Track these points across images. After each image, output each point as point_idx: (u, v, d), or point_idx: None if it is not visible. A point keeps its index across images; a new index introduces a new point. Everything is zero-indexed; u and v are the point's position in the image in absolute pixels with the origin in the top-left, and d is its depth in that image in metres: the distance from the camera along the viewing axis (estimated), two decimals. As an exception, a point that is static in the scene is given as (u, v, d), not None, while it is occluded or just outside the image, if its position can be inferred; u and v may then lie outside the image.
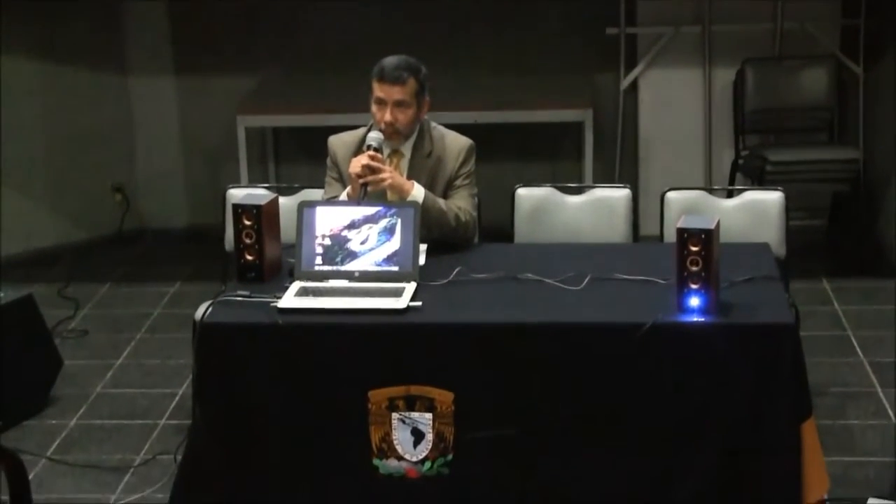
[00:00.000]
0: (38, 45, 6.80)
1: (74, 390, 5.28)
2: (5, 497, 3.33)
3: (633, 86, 6.87)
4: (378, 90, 4.23)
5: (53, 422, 5.03)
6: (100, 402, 5.22)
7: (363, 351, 3.76)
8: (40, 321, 5.13)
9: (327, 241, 4.00)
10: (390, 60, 4.25)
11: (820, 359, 5.32)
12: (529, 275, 4.00)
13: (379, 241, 3.99)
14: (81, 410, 5.13)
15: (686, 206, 4.63)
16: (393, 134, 4.25)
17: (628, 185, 4.84)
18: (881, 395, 5.07)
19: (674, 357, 3.68)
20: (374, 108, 4.26)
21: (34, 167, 6.91)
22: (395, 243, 3.98)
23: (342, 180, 4.33)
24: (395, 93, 4.21)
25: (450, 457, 3.78)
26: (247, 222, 3.98)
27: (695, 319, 3.68)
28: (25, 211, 6.90)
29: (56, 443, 4.87)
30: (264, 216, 3.98)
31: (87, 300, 6.26)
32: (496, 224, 4.91)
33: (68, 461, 4.71)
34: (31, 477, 4.25)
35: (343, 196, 4.24)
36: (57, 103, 6.92)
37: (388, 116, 4.22)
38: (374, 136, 4.22)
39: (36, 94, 6.85)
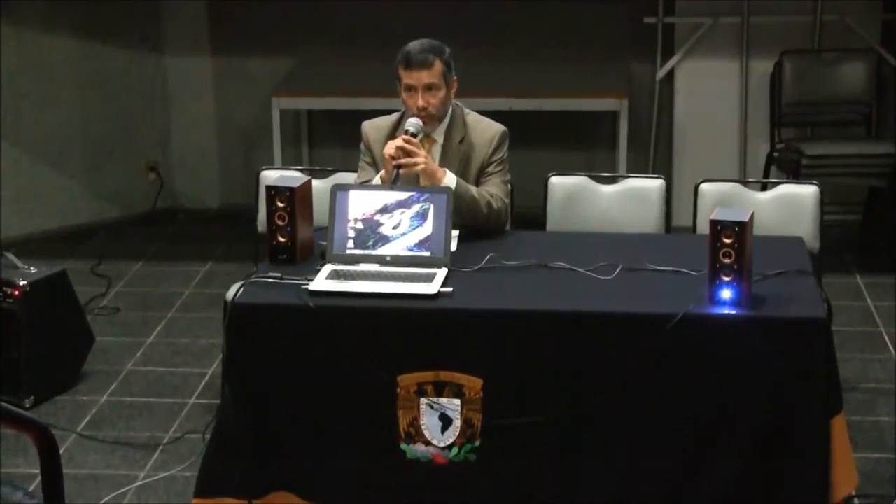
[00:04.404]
0: (75, 24, 6.83)
1: (105, 367, 5.32)
2: (36, 471, 3.37)
3: (670, 76, 6.83)
4: (406, 77, 4.22)
5: (84, 398, 5.07)
6: (130, 379, 5.25)
7: (393, 335, 3.76)
8: (73, 297, 5.16)
9: (360, 225, 4.00)
10: (413, 46, 4.24)
11: (851, 354, 5.29)
12: (561, 263, 3.99)
13: (411, 226, 3.99)
14: (112, 387, 5.16)
15: (720, 197, 4.60)
16: (427, 118, 4.25)
17: (662, 176, 4.82)
18: (912, 392, 5.05)
19: (704, 349, 3.66)
20: (404, 95, 4.26)
21: (70, 144, 6.95)
22: (427, 228, 3.97)
23: (375, 165, 4.33)
24: (424, 77, 4.20)
25: (477, 443, 3.78)
26: (280, 204, 3.99)
27: (726, 312, 3.66)
28: (60, 188, 6.94)
29: (87, 418, 4.90)
30: (297, 198, 3.99)
31: (120, 278, 6.30)
32: (529, 212, 4.90)
33: (98, 437, 4.75)
34: (61, 451, 4.29)
35: (376, 180, 4.24)
36: (93, 81, 6.95)
37: (420, 101, 4.22)
38: (414, 122, 4.21)
39: (72, 71, 6.88)
